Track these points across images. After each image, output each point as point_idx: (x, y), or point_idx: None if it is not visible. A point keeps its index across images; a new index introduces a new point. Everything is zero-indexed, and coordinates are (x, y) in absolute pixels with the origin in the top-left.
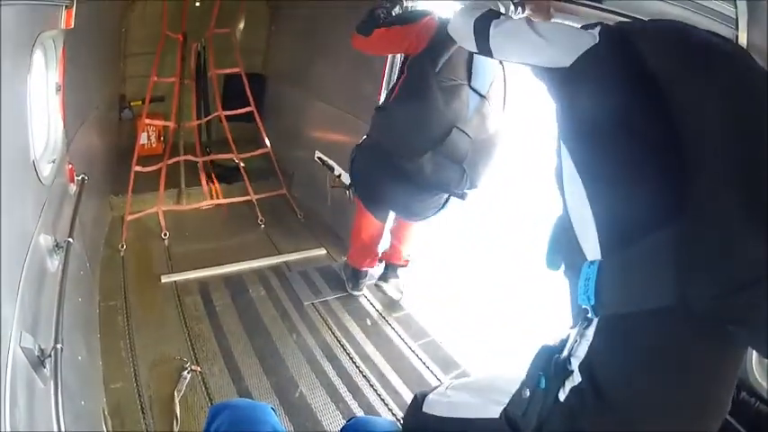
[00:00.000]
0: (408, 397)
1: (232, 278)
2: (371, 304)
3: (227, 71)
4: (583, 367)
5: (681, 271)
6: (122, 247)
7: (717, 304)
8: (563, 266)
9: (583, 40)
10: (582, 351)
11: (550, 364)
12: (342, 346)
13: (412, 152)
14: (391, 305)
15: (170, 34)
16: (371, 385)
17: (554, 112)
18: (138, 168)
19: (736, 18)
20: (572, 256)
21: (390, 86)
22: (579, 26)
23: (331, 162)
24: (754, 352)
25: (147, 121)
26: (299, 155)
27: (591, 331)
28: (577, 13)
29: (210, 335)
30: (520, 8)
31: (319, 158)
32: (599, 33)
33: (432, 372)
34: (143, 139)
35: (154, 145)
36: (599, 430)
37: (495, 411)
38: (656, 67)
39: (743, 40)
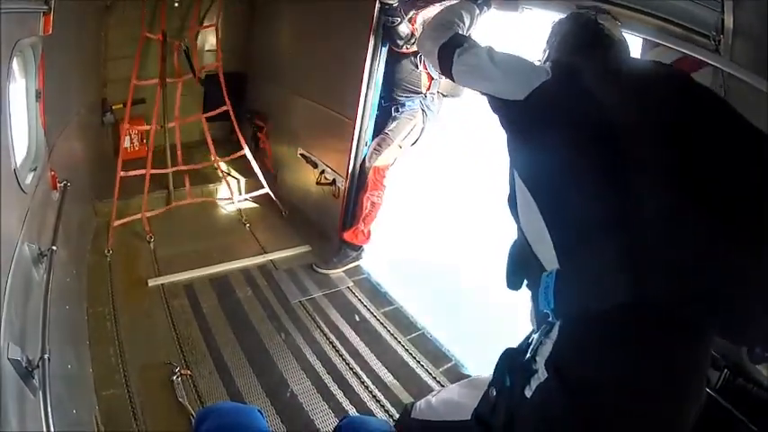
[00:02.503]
0: (400, 392)
1: (219, 279)
2: (359, 299)
3: (206, 70)
4: (549, 364)
5: (638, 270)
6: (109, 252)
7: (675, 297)
8: (525, 283)
9: (536, 74)
10: (546, 350)
11: (515, 365)
12: (331, 343)
13: None
14: (378, 300)
15: (149, 35)
16: (362, 382)
17: (506, 142)
18: (123, 174)
19: (722, 2)
20: (532, 271)
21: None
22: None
23: (315, 158)
24: None
25: (129, 125)
26: (283, 152)
27: (554, 332)
28: (547, 6)
29: (199, 338)
30: (485, 7)
31: (302, 155)
32: (551, 68)
33: (423, 366)
34: (126, 142)
35: (137, 148)
36: (570, 417)
37: (469, 413)
38: (601, 99)
39: (729, 23)
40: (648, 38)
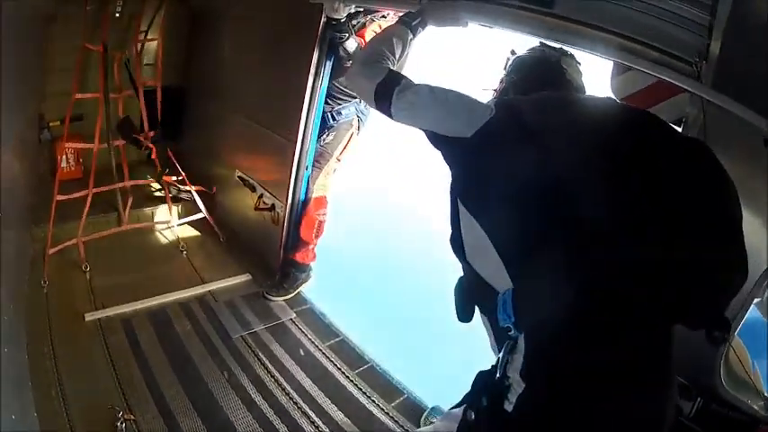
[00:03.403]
0: (350, 429)
1: (157, 313)
2: (303, 332)
3: (146, 85)
4: (524, 374)
5: (592, 274)
6: (45, 283)
7: (631, 294)
8: (480, 312)
9: (481, 112)
10: (517, 364)
11: (489, 384)
12: (276, 381)
13: None
14: (323, 332)
15: (90, 46)
16: (313, 422)
17: (451, 176)
18: (60, 197)
19: (710, 27)
20: (486, 299)
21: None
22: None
23: (253, 182)
24: (722, 365)
25: (67, 144)
26: (221, 173)
27: (521, 346)
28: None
29: (140, 379)
30: (420, 28)
31: (240, 178)
32: (495, 106)
33: (373, 401)
34: (62, 161)
35: (73, 168)
36: (560, 417)
37: None
38: (543, 139)
39: (715, 50)
40: (621, 61)
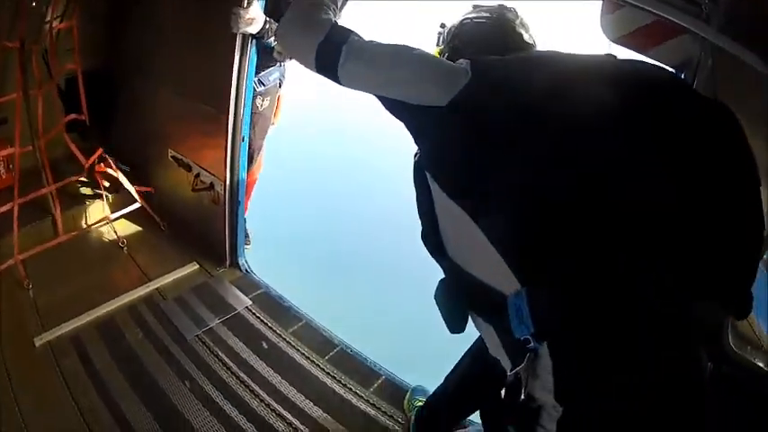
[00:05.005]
0: (334, 427)
1: (105, 323)
2: (262, 321)
3: (65, 73)
4: (560, 395)
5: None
6: None
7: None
8: (478, 319)
9: (455, 75)
10: (546, 381)
11: (513, 415)
12: (242, 382)
13: None
14: (284, 317)
15: (8, 44)
16: (290, 424)
17: (419, 152)
18: None
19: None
20: (487, 302)
21: None
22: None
23: (188, 160)
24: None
25: None
26: (155, 155)
27: (545, 359)
28: None
29: (101, 404)
30: None
31: (173, 158)
32: (471, 69)
33: (350, 388)
34: None
35: (4, 177)
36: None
37: None
38: (532, 101)
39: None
40: None
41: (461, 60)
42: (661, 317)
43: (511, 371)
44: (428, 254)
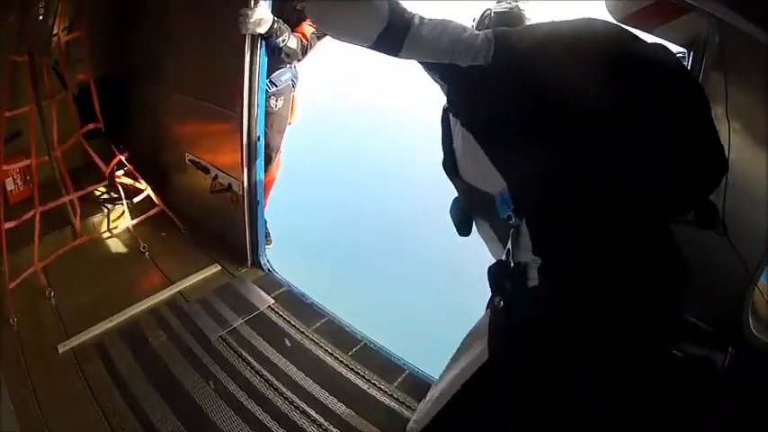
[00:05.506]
0: (358, 422)
1: (128, 327)
2: (285, 319)
3: (78, 82)
4: (537, 250)
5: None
6: (14, 320)
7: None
8: (478, 223)
9: (485, 42)
10: (525, 244)
11: (505, 270)
12: (266, 381)
13: None
14: (307, 315)
15: (16, 58)
16: (314, 421)
17: (453, 102)
18: (8, 225)
19: None
20: (483, 205)
21: None
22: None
23: (205, 163)
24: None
25: (8, 165)
26: (172, 159)
27: (524, 229)
28: None
29: (125, 407)
30: None
31: (191, 161)
32: (493, 36)
33: (374, 383)
34: (8, 184)
35: (21, 189)
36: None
37: (483, 353)
38: (544, 63)
39: None
40: None
41: (487, 31)
42: (661, 317)
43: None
44: (447, 180)
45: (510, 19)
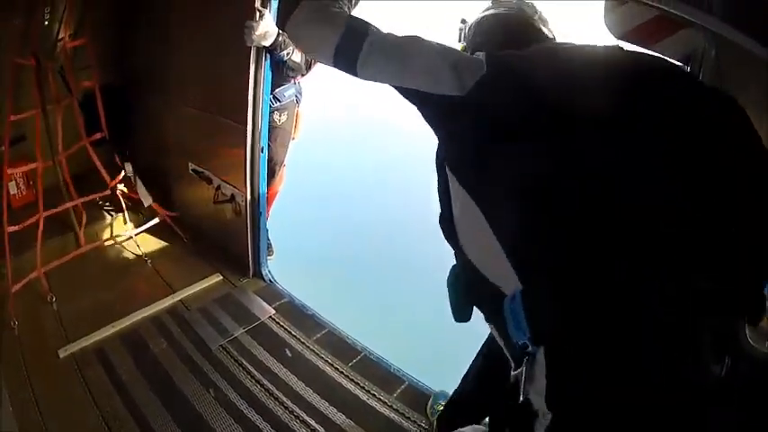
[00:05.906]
0: (355, 430)
1: (129, 335)
2: (286, 329)
3: (83, 89)
4: (550, 402)
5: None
6: (15, 324)
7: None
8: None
9: (474, 67)
10: (540, 384)
11: (510, 412)
12: (266, 390)
13: None
14: (307, 325)
15: (21, 61)
16: (313, 430)
17: (439, 141)
18: (11, 229)
19: None
20: (485, 299)
21: None
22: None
23: (208, 173)
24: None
25: (11, 169)
26: (175, 169)
27: (540, 361)
28: None
29: (125, 412)
30: None
31: (194, 171)
32: (486, 61)
33: (373, 394)
34: (12, 188)
35: (24, 193)
36: None
37: None
38: (543, 90)
39: None
40: None
41: (478, 53)
42: (665, 326)
43: (512, 372)
44: (445, 240)
45: (512, 27)
